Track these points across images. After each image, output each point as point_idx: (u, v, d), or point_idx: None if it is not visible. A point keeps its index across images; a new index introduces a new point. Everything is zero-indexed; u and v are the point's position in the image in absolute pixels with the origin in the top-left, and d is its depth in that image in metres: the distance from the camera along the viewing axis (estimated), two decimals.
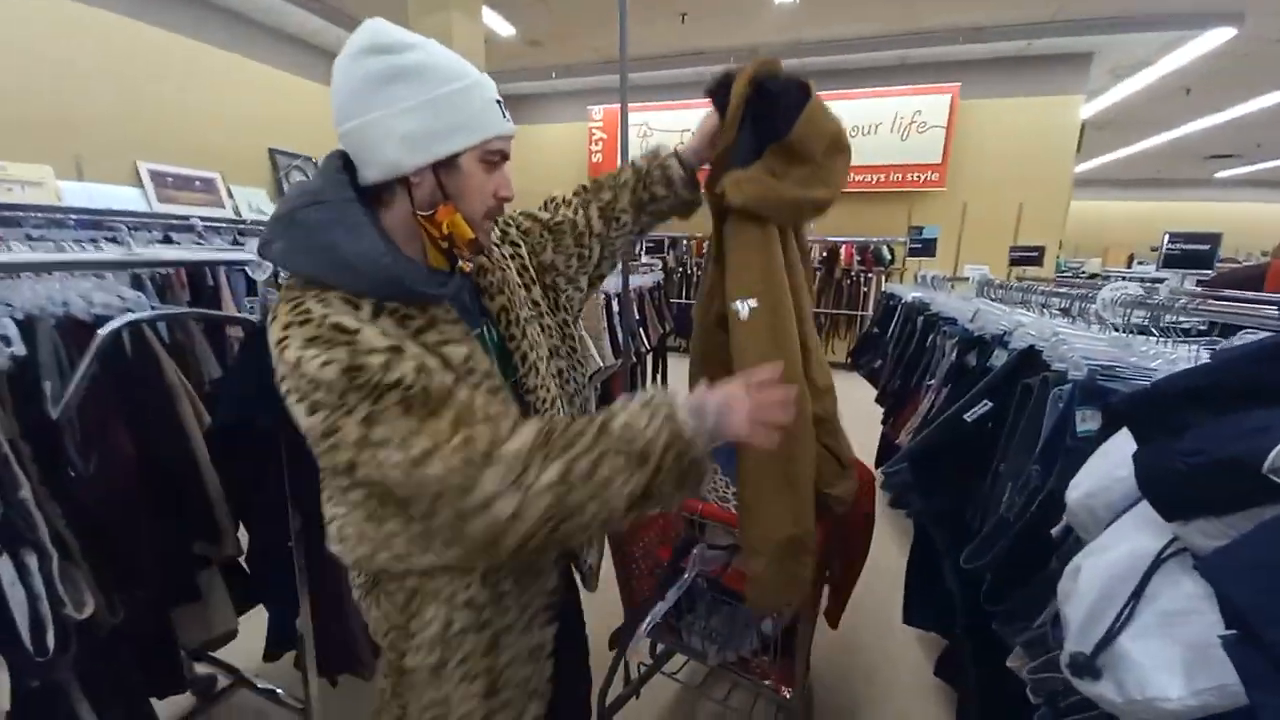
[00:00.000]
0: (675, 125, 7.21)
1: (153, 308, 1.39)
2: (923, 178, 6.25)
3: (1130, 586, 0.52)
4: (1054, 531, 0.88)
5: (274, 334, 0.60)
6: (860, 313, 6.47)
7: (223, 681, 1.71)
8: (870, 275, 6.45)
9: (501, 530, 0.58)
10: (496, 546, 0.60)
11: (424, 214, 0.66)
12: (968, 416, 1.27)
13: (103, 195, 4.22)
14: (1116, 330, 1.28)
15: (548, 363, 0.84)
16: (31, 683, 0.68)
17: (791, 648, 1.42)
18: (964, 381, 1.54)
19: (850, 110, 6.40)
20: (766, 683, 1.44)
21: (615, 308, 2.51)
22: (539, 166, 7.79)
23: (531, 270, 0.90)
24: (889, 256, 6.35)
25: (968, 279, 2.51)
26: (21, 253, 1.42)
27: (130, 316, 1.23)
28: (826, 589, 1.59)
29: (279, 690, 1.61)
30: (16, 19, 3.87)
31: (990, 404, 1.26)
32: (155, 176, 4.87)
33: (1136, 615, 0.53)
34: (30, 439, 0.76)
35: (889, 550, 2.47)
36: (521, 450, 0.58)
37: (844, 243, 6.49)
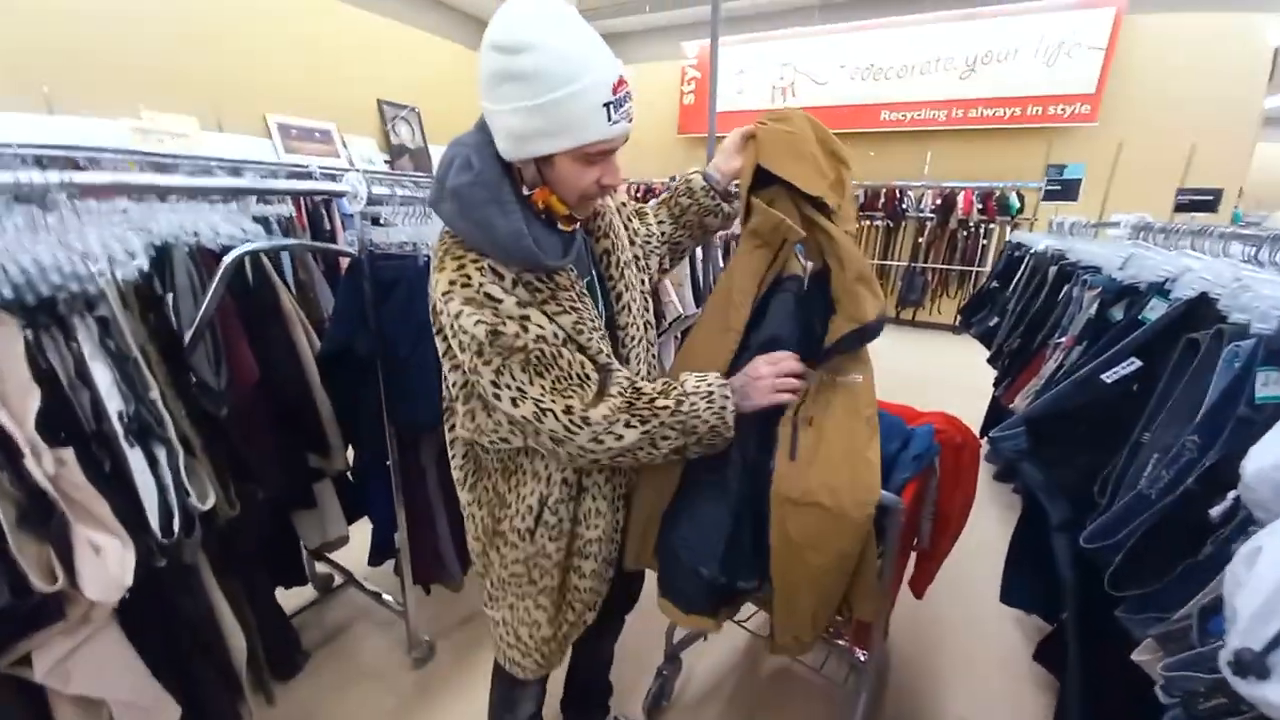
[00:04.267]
0: (774, 59, 6.69)
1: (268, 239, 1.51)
2: (1069, 110, 5.37)
3: None
4: (1213, 512, 0.73)
5: (439, 284, 0.75)
6: (976, 268, 5.84)
7: (337, 580, 1.93)
8: (992, 226, 5.76)
9: (579, 458, 0.81)
10: (573, 461, 0.84)
11: (526, 192, 0.78)
12: (1107, 377, 1.09)
13: (239, 146, 4.68)
14: None
15: (640, 304, 0.96)
16: (159, 562, 0.78)
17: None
18: (1104, 338, 1.32)
19: (983, 33, 5.60)
20: (841, 642, 1.39)
21: (698, 255, 2.43)
22: None
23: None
24: (1017, 204, 5.62)
25: (1117, 224, 2.13)
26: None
27: (250, 245, 1.33)
28: (914, 556, 1.48)
29: (383, 594, 1.78)
30: None
31: (1137, 363, 1.07)
32: (282, 129, 5.30)
33: None
34: (158, 345, 0.84)
35: (989, 525, 2.27)
36: (607, 416, 0.78)
37: (963, 189, 5.81)
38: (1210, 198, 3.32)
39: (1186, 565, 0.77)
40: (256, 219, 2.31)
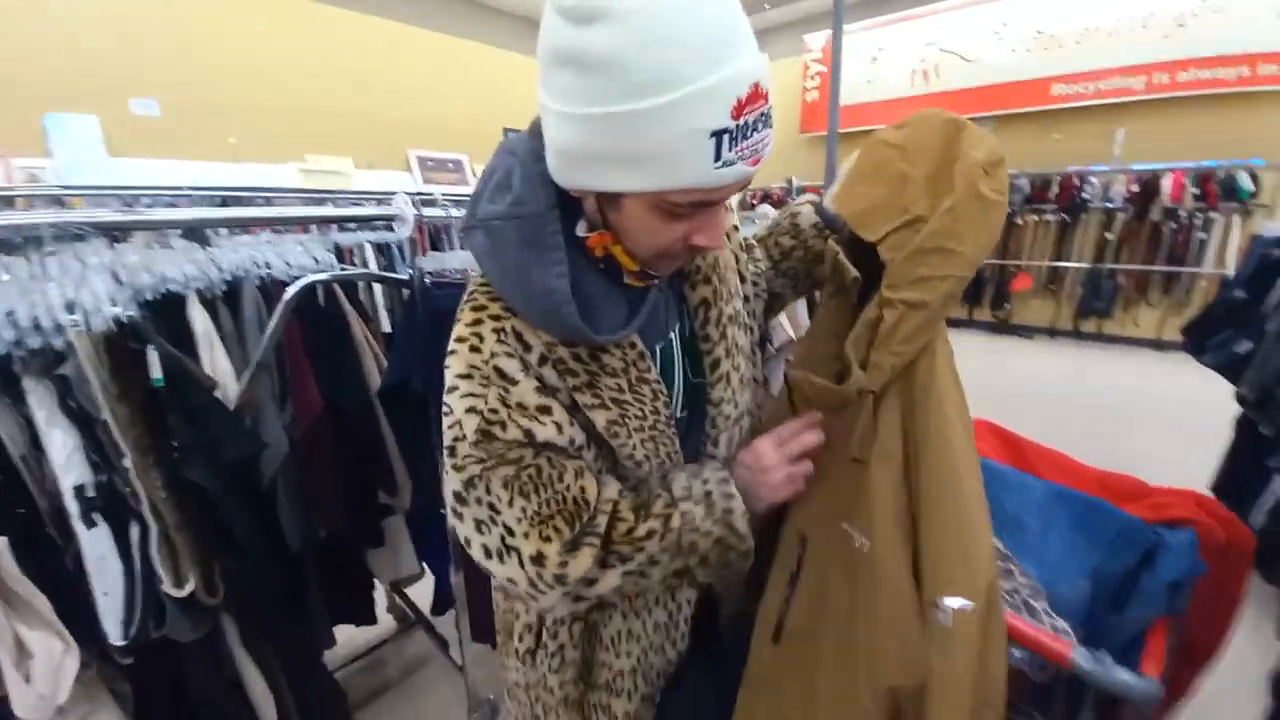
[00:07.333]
0: (914, 39, 5.95)
1: (340, 268, 1.47)
2: None
3: None
4: None
5: (454, 335, 0.57)
6: (1188, 269, 4.63)
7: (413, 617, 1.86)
8: (1214, 215, 4.53)
9: (548, 613, 0.66)
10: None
11: (581, 233, 0.55)
12: None
13: (383, 180, 5.15)
14: None
15: (744, 373, 0.70)
16: (123, 660, 0.66)
17: None
18: None
19: None
20: None
21: None
22: None
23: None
24: (1250, 188, 4.36)
25: None
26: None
27: (311, 278, 1.27)
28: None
29: (450, 643, 1.67)
30: (321, 37, 4.81)
31: None
32: (420, 161, 5.81)
33: None
34: (133, 405, 0.75)
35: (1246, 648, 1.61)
36: (584, 571, 0.55)
37: (1169, 170, 4.64)
38: None
39: None
40: (378, 246, 2.41)
